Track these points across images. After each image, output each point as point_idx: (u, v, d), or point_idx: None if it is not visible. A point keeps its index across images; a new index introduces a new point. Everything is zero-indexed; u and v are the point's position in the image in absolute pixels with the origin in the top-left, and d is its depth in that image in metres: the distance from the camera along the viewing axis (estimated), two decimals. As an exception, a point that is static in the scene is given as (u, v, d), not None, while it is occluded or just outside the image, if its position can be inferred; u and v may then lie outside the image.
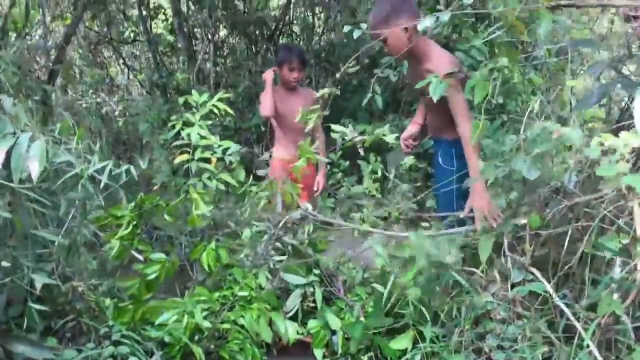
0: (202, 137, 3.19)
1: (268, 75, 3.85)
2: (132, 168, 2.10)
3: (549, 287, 2.12)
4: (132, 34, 8.44)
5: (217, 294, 2.74)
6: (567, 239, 2.10)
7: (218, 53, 6.72)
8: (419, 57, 2.83)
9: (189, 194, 2.93)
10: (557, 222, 2.25)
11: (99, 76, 7.82)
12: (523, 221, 2.18)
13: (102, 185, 1.91)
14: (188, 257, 2.87)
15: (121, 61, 8.31)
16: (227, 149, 3.29)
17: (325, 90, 3.06)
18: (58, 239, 1.99)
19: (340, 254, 3.12)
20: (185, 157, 3.18)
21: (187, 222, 2.80)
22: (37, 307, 2.11)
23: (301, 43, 7.13)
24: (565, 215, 2.29)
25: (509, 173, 2.17)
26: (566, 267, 2.12)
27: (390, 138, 3.11)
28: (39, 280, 1.95)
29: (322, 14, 7.05)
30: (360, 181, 4.95)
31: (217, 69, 6.58)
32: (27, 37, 7.03)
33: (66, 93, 7.45)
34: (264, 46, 6.91)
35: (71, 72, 7.56)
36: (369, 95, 3.21)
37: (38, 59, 7.02)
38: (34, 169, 1.85)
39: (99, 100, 7.65)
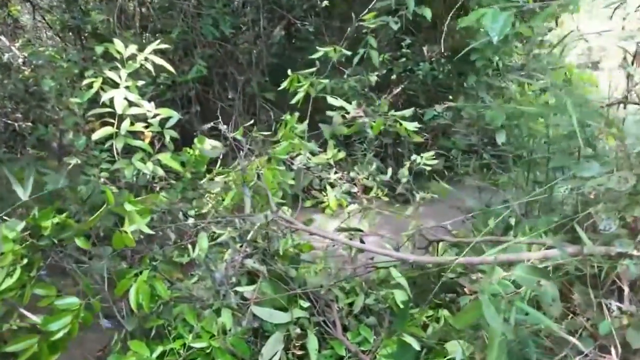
0: (131, 104, 2.24)
1: None
2: None
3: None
4: (37, -34, 7.04)
5: (159, 349, 1.84)
6: None
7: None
8: None
9: (106, 192, 1.99)
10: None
11: (-4, 16, 6.50)
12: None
13: None
14: (112, 294, 1.94)
15: (25, -2, 6.95)
16: (167, 120, 2.38)
17: None
18: None
19: (332, 271, 2.29)
20: (107, 130, 2.25)
21: (113, 243, 1.86)
22: None
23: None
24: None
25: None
26: None
27: (410, 126, 2.55)
28: None
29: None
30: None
31: (144, 9, 5.42)
32: None
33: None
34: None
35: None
36: (363, 50, 2.87)
37: None
38: None
39: (-2, 45, 6.33)
